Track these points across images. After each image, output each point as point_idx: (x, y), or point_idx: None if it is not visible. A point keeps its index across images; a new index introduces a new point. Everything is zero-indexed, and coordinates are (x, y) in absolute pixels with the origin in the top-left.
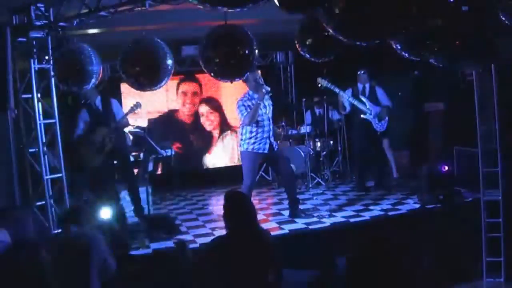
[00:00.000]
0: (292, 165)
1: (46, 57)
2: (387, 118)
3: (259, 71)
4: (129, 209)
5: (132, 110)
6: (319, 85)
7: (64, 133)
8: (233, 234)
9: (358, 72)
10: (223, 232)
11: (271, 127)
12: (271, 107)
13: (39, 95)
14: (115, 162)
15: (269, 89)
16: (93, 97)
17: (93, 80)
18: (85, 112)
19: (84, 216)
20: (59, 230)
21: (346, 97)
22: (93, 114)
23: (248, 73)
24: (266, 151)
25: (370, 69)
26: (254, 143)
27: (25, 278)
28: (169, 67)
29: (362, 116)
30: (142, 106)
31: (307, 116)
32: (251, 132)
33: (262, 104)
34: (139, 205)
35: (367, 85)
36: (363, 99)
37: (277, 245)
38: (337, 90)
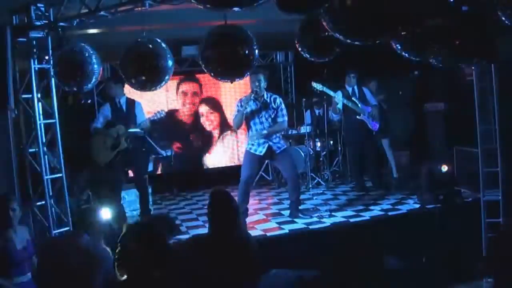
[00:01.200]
0: None
1: (46, 57)
2: (379, 117)
3: (261, 73)
4: (129, 209)
5: (155, 116)
6: (314, 89)
7: (65, 132)
8: (214, 233)
9: (347, 75)
10: None
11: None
12: (274, 111)
13: (39, 95)
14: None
15: (250, 96)
16: (118, 95)
17: (93, 80)
18: (107, 108)
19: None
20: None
21: (340, 99)
22: (115, 111)
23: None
24: (261, 154)
25: (360, 71)
26: (252, 144)
27: None
28: (169, 67)
29: (357, 117)
30: (143, 106)
31: (307, 116)
32: (249, 134)
33: (248, 109)
34: (147, 207)
35: (355, 87)
36: (355, 100)
37: (277, 245)
38: (331, 93)
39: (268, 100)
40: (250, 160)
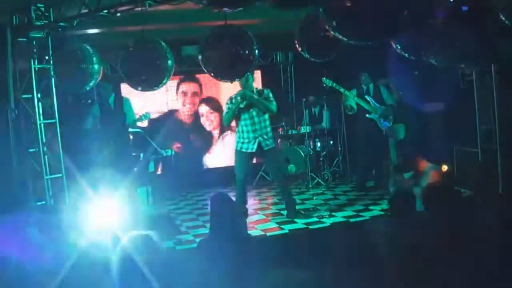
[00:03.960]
0: (291, 164)
1: (46, 57)
2: (391, 117)
3: (254, 72)
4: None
5: (140, 119)
6: (324, 84)
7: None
8: (215, 236)
9: (360, 74)
10: None
11: (262, 125)
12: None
13: (39, 95)
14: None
15: (244, 96)
16: (107, 94)
17: (93, 80)
18: (96, 108)
19: None
20: None
21: (351, 96)
22: (104, 110)
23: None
24: (253, 150)
25: (371, 70)
26: (242, 142)
27: None
28: (169, 67)
29: (367, 115)
30: (144, 111)
31: (307, 116)
32: (240, 131)
33: (237, 106)
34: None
35: (370, 85)
36: (368, 98)
37: (277, 245)
38: (342, 90)
39: (256, 96)
40: (242, 160)
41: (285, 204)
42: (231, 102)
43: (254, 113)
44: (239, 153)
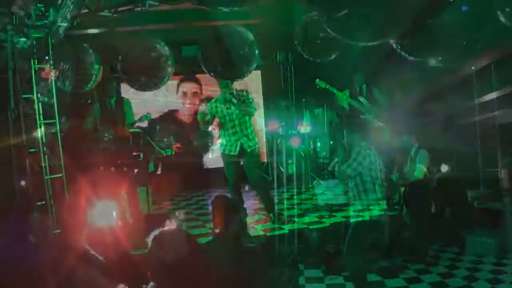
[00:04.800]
0: (291, 165)
1: (46, 57)
2: (385, 118)
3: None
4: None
5: (140, 120)
6: (318, 86)
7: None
8: (216, 237)
9: (354, 75)
10: None
11: (243, 127)
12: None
13: (39, 95)
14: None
15: (223, 100)
16: (111, 94)
17: (93, 80)
18: (98, 108)
19: None
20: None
21: (344, 97)
22: (105, 111)
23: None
24: (236, 152)
25: (366, 71)
26: (225, 145)
27: None
28: (169, 67)
29: (361, 116)
30: (144, 111)
31: (307, 116)
32: (223, 135)
33: (218, 109)
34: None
35: (363, 86)
36: (361, 99)
37: (277, 245)
38: (335, 91)
39: (235, 98)
40: (228, 163)
41: (265, 207)
42: (211, 107)
43: (234, 116)
44: (224, 156)
